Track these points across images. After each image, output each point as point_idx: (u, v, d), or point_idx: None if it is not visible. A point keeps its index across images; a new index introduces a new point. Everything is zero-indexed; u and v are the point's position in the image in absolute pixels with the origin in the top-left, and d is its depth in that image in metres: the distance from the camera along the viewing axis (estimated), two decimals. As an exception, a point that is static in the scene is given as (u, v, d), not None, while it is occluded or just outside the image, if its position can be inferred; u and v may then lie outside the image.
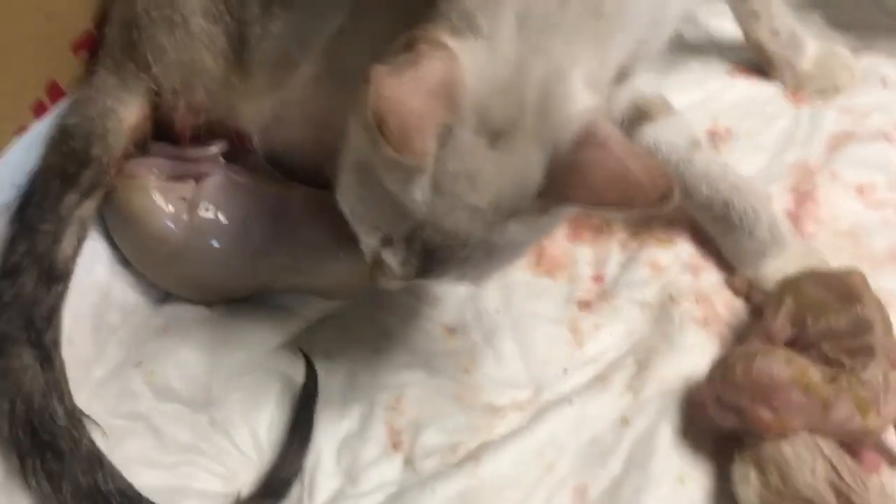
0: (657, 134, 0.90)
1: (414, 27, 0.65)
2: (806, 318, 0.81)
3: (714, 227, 0.94)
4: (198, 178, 0.86)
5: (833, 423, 0.75)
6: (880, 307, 0.81)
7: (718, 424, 0.79)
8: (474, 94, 0.60)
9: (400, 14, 0.69)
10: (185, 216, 0.84)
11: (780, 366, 0.76)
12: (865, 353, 0.78)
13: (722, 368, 0.79)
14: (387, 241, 0.67)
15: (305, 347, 0.88)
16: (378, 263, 0.70)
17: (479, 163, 0.62)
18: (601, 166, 0.61)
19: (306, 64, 0.78)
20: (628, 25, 0.67)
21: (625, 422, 0.84)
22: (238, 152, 0.87)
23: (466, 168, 0.62)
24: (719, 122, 1.07)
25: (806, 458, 0.73)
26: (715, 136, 1.05)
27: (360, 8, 0.76)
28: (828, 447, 0.74)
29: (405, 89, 0.57)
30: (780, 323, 0.83)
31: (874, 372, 0.77)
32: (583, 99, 0.63)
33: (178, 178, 0.85)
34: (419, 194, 0.62)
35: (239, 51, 0.78)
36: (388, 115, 0.56)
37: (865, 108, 1.07)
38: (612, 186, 0.61)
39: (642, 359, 0.88)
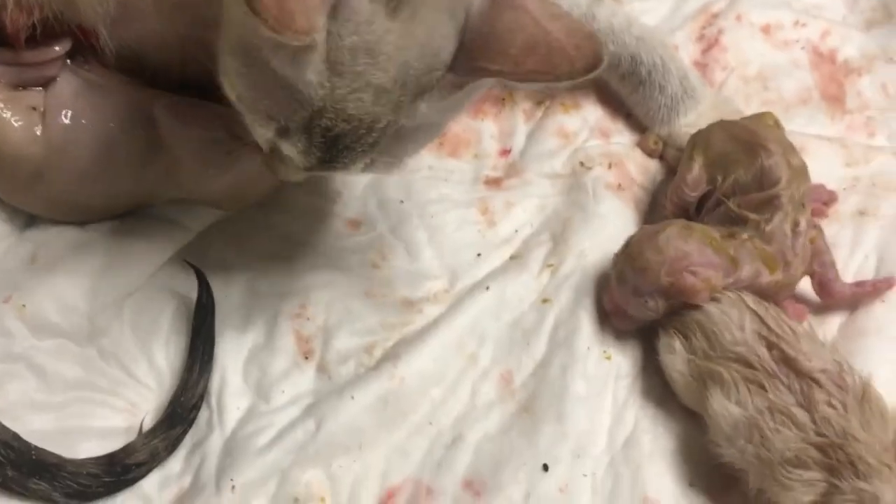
0: None
1: None
2: (716, 174, 0.78)
3: (622, 86, 0.90)
4: (45, 84, 0.76)
5: (744, 280, 0.73)
6: (789, 154, 0.78)
7: (642, 319, 0.75)
8: None
9: None
10: (38, 128, 0.74)
11: (683, 234, 0.73)
12: (772, 204, 0.75)
13: (627, 259, 0.75)
14: (283, 132, 0.60)
15: (196, 261, 0.80)
16: (276, 154, 0.62)
17: (378, 34, 0.55)
18: (519, 31, 0.56)
19: None
20: None
21: (545, 301, 0.80)
22: (85, 52, 0.76)
23: (365, 41, 0.55)
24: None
25: (732, 315, 0.71)
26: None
27: None
28: (753, 301, 0.72)
29: None
30: (691, 183, 0.79)
31: (779, 223, 0.74)
32: None
33: (21, 86, 0.75)
34: (314, 76, 0.55)
35: None
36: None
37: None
38: (533, 53, 0.56)
39: (558, 233, 0.84)
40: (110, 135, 0.76)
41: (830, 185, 0.85)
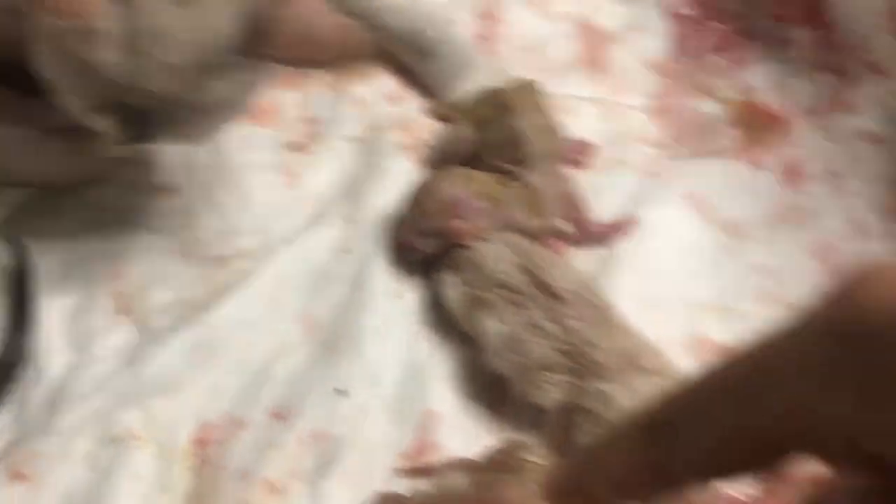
0: None
1: None
2: (481, 135, 0.90)
3: (407, 57, 0.99)
4: None
5: (513, 221, 0.85)
6: (534, 115, 0.89)
7: (424, 252, 0.86)
8: None
9: None
10: None
11: (458, 183, 0.84)
12: (525, 161, 0.87)
13: (412, 206, 0.86)
14: (94, 108, 0.65)
15: (13, 231, 0.85)
16: (88, 132, 0.68)
17: (167, 20, 0.60)
18: (293, 22, 0.63)
19: None
20: None
21: (346, 250, 0.89)
22: None
23: (155, 25, 0.60)
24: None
25: (497, 249, 0.82)
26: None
27: None
28: (514, 238, 0.84)
29: None
30: (461, 143, 0.91)
31: (534, 175, 0.86)
32: None
33: None
34: (111, 57, 0.60)
35: None
36: None
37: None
38: (304, 44, 0.64)
39: (354, 191, 0.93)
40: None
41: (592, 140, 0.98)
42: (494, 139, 0.88)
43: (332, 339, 0.84)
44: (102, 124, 0.66)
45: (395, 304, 0.87)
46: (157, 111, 0.65)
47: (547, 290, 0.79)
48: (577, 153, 0.95)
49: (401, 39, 0.97)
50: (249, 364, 0.83)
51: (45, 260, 0.86)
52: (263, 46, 0.64)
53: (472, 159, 0.91)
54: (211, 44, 0.63)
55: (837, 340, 0.26)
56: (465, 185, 0.84)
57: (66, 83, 0.64)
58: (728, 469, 0.30)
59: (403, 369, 0.84)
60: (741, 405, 0.28)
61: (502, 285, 0.80)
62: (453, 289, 0.82)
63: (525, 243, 0.83)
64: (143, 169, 0.92)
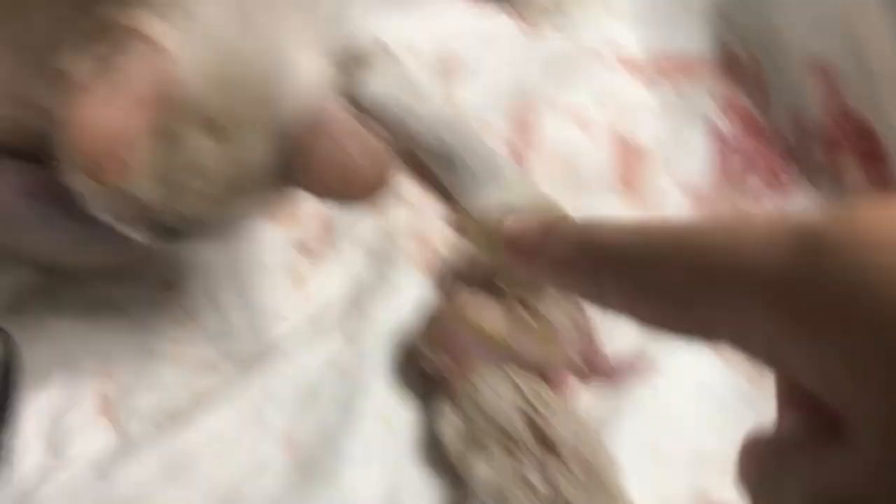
0: (374, 83, 0.90)
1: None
2: (490, 253, 0.85)
3: (435, 166, 0.96)
4: None
5: (518, 358, 0.79)
6: None
7: (424, 372, 0.82)
8: (190, 90, 0.57)
9: None
10: None
11: (457, 318, 0.80)
12: (540, 289, 0.81)
13: (420, 325, 0.82)
14: (122, 219, 0.64)
15: (9, 318, 0.83)
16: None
17: (203, 156, 0.60)
18: (321, 150, 0.61)
19: None
20: None
21: (340, 369, 0.85)
22: None
23: (189, 160, 0.59)
24: (444, 52, 1.08)
25: (495, 386, 0.77)
26: (441, 65, 1.06)
27: None
28: (515, 374, 0.78)
29: (103, 112, 0.53)
30: (470, 258, 0.86)
31: (545, 302, 0.81)
32: (306, 73, 0.61)
33: None
34: (144, 185, 0.59)
35: None
36: (88, 146, 0.53)
37: (585, 32, 1.10)
38: (331, 173, 0.61)
39: (358, 301, 0.89)
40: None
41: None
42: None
43: (311, 464, 0.80)
44: (130, 232, 0.65)
45: (383, 429, 0.82)
46: (178, 226, 0.64)
47: (543, 441, 0.74)
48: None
49: (426, 144, 0.94)
50: (222, 484, 0.79)
51: (34, 351, 0.84)
52: (293, 176, 0.62)
53: (487, 279, 0.87)
54: (244, 176, 0.62)
55: (815, 261, 0.26)
56: (460, 322, 0.79)
57: (97, 201, 0.63)
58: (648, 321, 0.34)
59: (382, 502, 0.79)
60: (684, 268, 0.30)
61: (499, 428, 0.74)
62: (449, 423, 0.77)
63: (528, 382, 0.77)
64: (145, 261, 0.91)
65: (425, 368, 0.81)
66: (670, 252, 0.31)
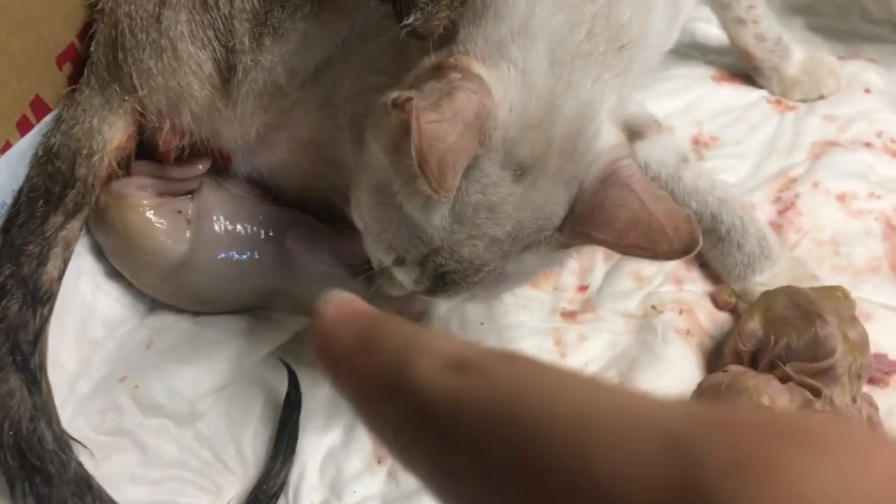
0: (647, 152, 0.92)
1: (403, 56, 0.65)
2: (770, 334, 0.82)
3: (702, 241, 0.95)
4: (185, 194, 0.87)
5: None
6: (846, 326, 0.81)
7: None
8: (504, 128, 0.61)
9: (388, 44, 0.69)
10: (186, 230, 0.85)
11: (742, 395, 0.77)
12: (828, 375, 0.78)
13: (696, 399, 0.80)
14: (399, 262, 0.67)
15: (289, 360, 0.88)
16: (386, 274, 0.71)
17: (501, 196, 0.62)
18: (624, 207, 0.61)
19: (293, 92, 0.79)
20: (644, 56, 0.68)
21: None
22: (221, 172, 0.88)
23: (489, 200, 0.62)
24: (703, 130, 1.08)
25: None
26: (699, 144, 1.06)
27: (350, 38, 0.77)
28: None
29: (446, 126, 0.57)
30: (744, 337, 0.84)
31: (840, 395, 0.78)
32: (609, 136, 0.64)
33: (166, 195, 0.86)
34: (438, 221, 0.63)
35: (226, 78, 0.78)
36: (430, 151, 0.56)
37: (849, 115, 1.08)
38: (635, 229, 0.61)
39: (625, 370, 0.89)
40: (246, 241, 0.86)
41: (893, 355, 0.88)
42: (796, 344, 0.81)
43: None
44: (403, 275, 0.68)
45: None
46: (458, 273, 0.65)
47: None
48: (880, 370, 0.86)
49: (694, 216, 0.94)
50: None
51: (313, 394, 0.88)
52: (587, 228, 0.63)
53: (759, 360, 0.85)
54: (536, 222, 0.63)
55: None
56: (754, 397, 0.77)
57: (383, 233, 0.67)
58: None
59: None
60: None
61: None
62: None
63: None
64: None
65: None
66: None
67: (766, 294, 0.87)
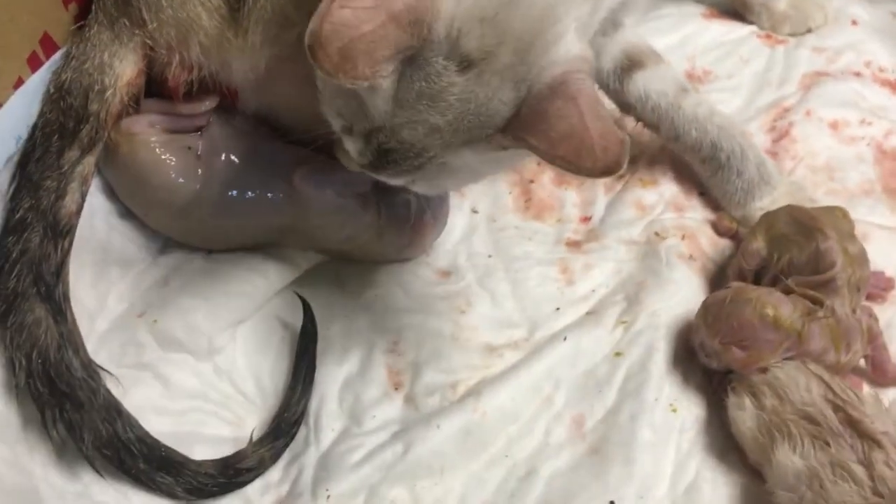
0: (647, 82, 0.93)
1: None
2: (773, 251, 0.85)
3: (702, 169, 0.97)
4: (193, 131, 0.87)
5: (811, 354, 0.79)
6: (846, 240, 0.84)
7: (708, 367, 0.83)
8: (450, 18, 0.61)
9: None
10: (198, 167, 0.85)
11: (744, 306, 0.79)
12: (828, 287, 0.81)
13: (701, 315, 0.82)
14: (347, 130, 0.68)
15: (303, 294, 0.89)
16: (339, 143, 0.71)
17: (443, 86, 0.62)
18: (564, 119, 0.61)
19: (301, 21, 0.79)
20: None
21: (618, 354, 0.87)
22: (228, 109, 0.88)
23: (431, 89, 0.62)
24: (696, 65, 1.10)
25: (799, 378, 0.77)
26: (693, 79, 1.08)
27: None
28: (816, 369, 0.78)
29: (360, 14, 0.57)
30: (748, 256, 0.87)
31: (840, 306, 0.80)
32: (571, 47, 0.64)
33: (175, 132, 0.86)
34: (381, 104, 0.63)
35: (235, 8, 0.78)
36: (332, 37, 0.56)
37: (837, 47, 1.10)
38: (567, 142, 0.61)
39: (632, 294, 0.91)
40: (257, 176, 0.87)
41: (889, 272, 0.91)
42: (798, 260, 0.83)
43: (601, 445, 0.82)
44: (349, 144, 0.69)
45: (669, 417, 0.83)
46: (398, 153, 0.66)
47: (858, 430, 0.73)
48: (878, 287, 0.89)
49: (696, 150, 0.95)
50: (515, 458, 0.82)
51: (328, 327, 0.89)
52: (524, 132, 0.62)
53: (763, 277, 0.87)
54: (478, 117, 0.63)
55: None
56: (754, 309, 0.79)
57: (334, 100, 0.67)
58: None
59: (675, 489, 0.79)
60: None
61: (807, 417, 0.74)
62: (746, 413, 0.77)
63: (829, 374, 0.77)
64: (421, 248, 0.95)
65: (710, 362, 0.82)
66: None
67: (768, 214, 0.89)
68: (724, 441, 0.81)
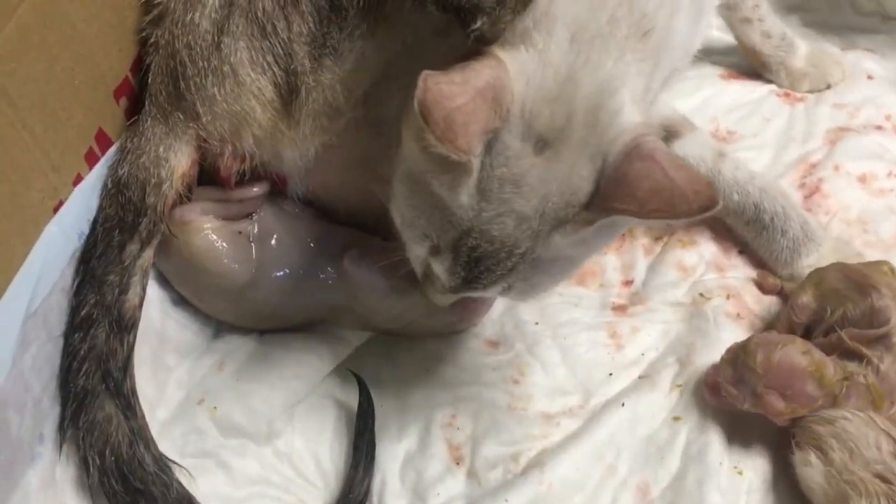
0: (685, 150, 0.95)
1: None
2: (826, 306, 0.86)
3: (746, 231, 0.98)
4: (246, 217, 0.88)
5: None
6: None
7: (733, 404, 0.83)
8: (522, 101, 0.63)
9: (436, 62, 0.71)
10: (249, 250, 0.86)
11: (798, 356, 0.80)
12: (883, 343, 0.82)
13: (742, 353, 0.82)
14: (434, 250, 0.69)
15: (354, 371, 0.90)
16: (428, 276, 0.72)
17: (525, 168, 0.64)
18: (647, 177, 0.63)
19: (349, 111, 0.82)
20: (670, 51, 0.71)
21: (676, 418, 0.87)
22: (277, 194, 0.90)
23: (512, 173, 0.64)
24: (720, 126, 1.12)
25: (868, 434, 0.77)
26: (717, 139, 1.10)
27: (398, 56, 0.79)
28: (884, 423, 0.78)
29: (452, 88, 0.60)
30: (798, 309, 0.88)
31: (890, 363, 0.81)
32: (631, 114, 0.66)
33: (227, 218, 0.88)
34: (465, 198, 0.65)
35: (288, 101, 0.80)
36: (434, 106, 0.59)
37: (856, 102, 1.12)
38: (657, 197, 0.63)
39: (683, 356, 0.92)
40: (308, 257, 0.88)
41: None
42: (852, 314, 0.84)
43: (671, 512, 0.81)
44: (438, 265, 0.69)
45: (735, 480, 0.83)
46: (491, 257, 0.67)
47: None
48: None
49: (739, 213, 0.97)
50: (585, 529, 0.82)
51: (381, 405, 0.89)
52: (611, 200, 0.64)
53: (812, 332, 0.88)
54: (561, 196, 0.65)
55: None
56: (805, 359, 0.80)
57: (416, 220, 0.69)
58: None
59: (749, 551, 0.79)
60: None
61: (878, 475, 0.74)
62: (815, 470, 0.77)
63: (891, 428, 0.77)
64: (470, 322, 0.96)
65: (738, 400, 0.82)
66: None
67: (817, 270, 0.90)
68: (792, 499, 0.81)
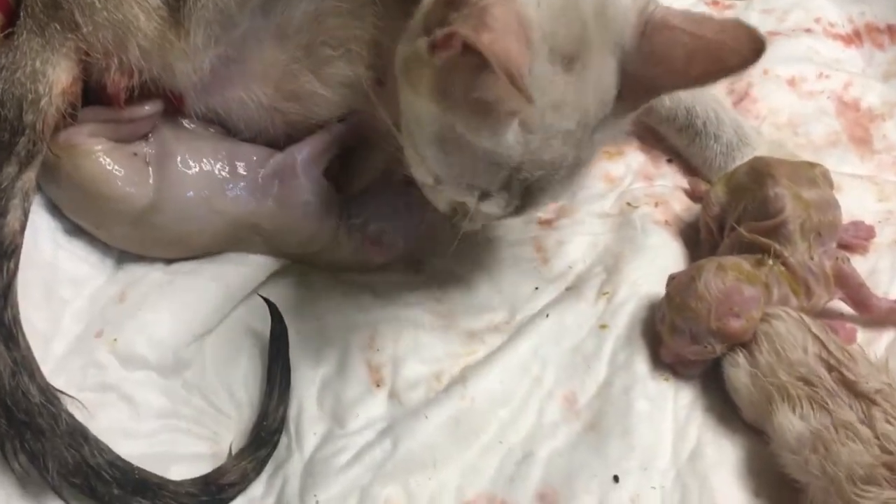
0: None
1: None
2: (731, 202, 0.84)
3: (679, 138, 0.95)
4: (141, 138, 0.83)
5: (774, 304, 0.78)
6: (801, 186, 0.82)
7: (704, 360, 0.79)
8: (538, 25, 0.61)
9: None
10: (147, 173, 0.81)
11: (719, 274, 0.77)
12: (779, 232, 0.80)
13: (674, 314, 0.78)
14: (485, 195, 0.67)
15: (269, 299, 0.85)
16: (459, 211, 0.71)
17: (560, 90, 0.62)
18: (676, 46, 0.62)
19: (244, 21, 0.77)
20: None
21: (603, 327, 0.84)
22: (174, 113, 0.84)
23: (551, 99, 0.62)
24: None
25: (797, 335, 0.75)
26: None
27: None
28: (813, 324, 0.76)
29: (506, 41, 0.57)
30: (708, 206, 0.86)
31: (793, 252, 0.79)
32: None
33: (119, 140, 0.82)
34: (512, 138, 0.63)
35: (174, 7, 0.75)
36: (511, 67, 0.55)
37: (785, 6, 1.10)
38: (697, 60, 0.61)
39: (610, 265, 0.89)
40: (215, 178, 0.83)
41: (866, 220, 0.89)
42: (751, 207, 0.82)
43: (598, 421, 0.78)
44: (490, 206, 0.68)
45: (662, 386, 0.80)
46: (544, 179, 0.66)
47: (853, 390, 0.71)
48: (858, 236, 0.87)
49: (671, 120, 0.94)
50: (509, 442, 0.78)
51: (299, 330, 0.85)
52: (650, 82, 0.63)
53: (722, 229, 0.86)
54: (599, 100, 0.63)
55: None
56: (728, 276, 0.77)
57: (459, 178, 0.66)
58: None
59: (678, 457, 0.76)
60: None
61: (802, 378, 0.72)
62: (741, 371, 0.75)
63: (825, 332, 0.75)
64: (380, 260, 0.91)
65: (707, 351, 0.78)
66: None
67: (730, 171, 0.88)
68: (722, 403, 0.79)
